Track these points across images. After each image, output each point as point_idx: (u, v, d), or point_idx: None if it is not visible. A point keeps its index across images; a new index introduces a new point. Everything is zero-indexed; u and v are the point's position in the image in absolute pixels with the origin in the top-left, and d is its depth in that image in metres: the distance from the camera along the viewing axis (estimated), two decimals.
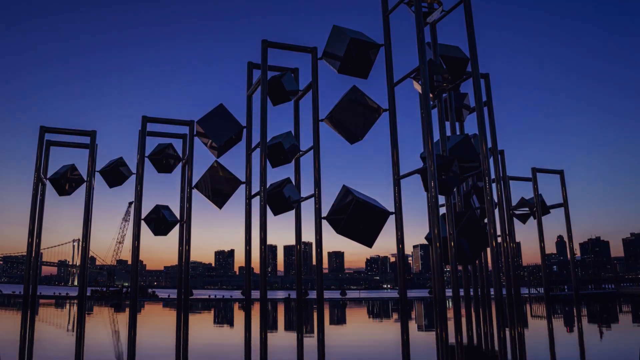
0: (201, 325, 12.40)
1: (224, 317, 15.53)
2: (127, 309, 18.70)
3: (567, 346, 7.68)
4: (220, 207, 19.23)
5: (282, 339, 8.93)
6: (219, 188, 19.14)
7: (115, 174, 22.34)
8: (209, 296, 53.26)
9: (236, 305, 23.93)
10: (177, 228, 21.87)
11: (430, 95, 16.22)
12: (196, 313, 17.01)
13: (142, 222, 20.63)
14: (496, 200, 18.74)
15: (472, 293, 21.81)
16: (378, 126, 16.17)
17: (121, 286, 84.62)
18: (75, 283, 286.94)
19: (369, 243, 14.65)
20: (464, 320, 12.62)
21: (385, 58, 16.08)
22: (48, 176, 22.08)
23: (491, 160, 18.64)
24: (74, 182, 22.21)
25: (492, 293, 21.15)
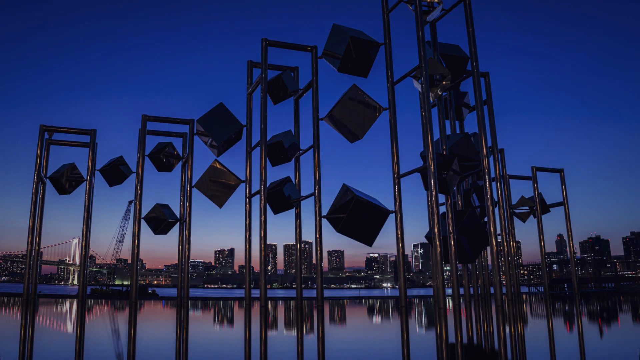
0: (201, 324, 12.40)
1: (223, 317, 15.53)
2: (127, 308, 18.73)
3: (567, 345, 7.68)
4: (220, 205, 19.22)
5: (281, 338, 8.93)
6: (219, 187, 19.14)
7: (115, 173, 22.33)
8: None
9: (236, 305, 23.95)
10: (177, 227, 21.88)
11: (431, 94, 16.22)
12: (196, 313, 17.01)
13: (142, 221, 20.63)
14: (496, 199, 18.75)
15: (472, 292, 21.85)
16: (378, 125, 16.18)
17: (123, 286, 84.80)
18: (75, 282, 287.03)
19: (369, 242, 14.66)
20: (464, 318, 12.62)
21: (385, 57, 16.07)
22: (48, 175, 22.07)
23: (491, 158, 18.65)
24: (74, 180, 22.20)
25: (492, 291, 21.20)
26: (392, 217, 14.75)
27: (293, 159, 18.47)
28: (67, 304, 22.91)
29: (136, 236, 19.97)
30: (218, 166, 19.18)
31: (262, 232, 16.05)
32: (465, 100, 19.66)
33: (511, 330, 9.20)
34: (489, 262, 20.52)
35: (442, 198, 16.45)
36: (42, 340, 8.07)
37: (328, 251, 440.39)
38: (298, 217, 17.91)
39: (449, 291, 21.90)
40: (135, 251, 19.92)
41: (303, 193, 17.95)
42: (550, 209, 27.50)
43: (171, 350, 6.95)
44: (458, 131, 19.07)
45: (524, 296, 36.62)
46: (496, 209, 17.74)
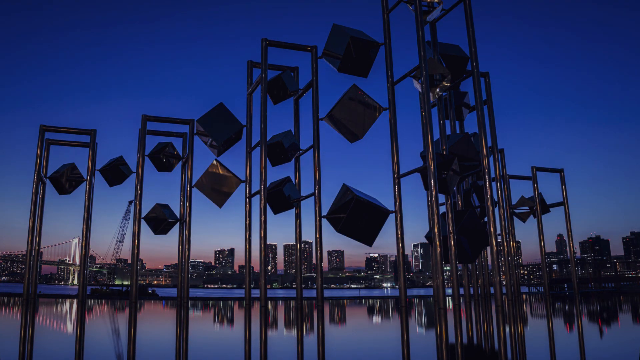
0: (201, 324, 12.39)
1: (223, 317, 15.52)
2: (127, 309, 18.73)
3: (567, 345, 7.68)
4: (220, 205, 19.22)
5: (281, 338, 8.93)
6: (219, 187, 19.14)
7: (115, 173, 22.33)
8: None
9: (236, 305, 23.93)
10: (177, 227, 21.88)
11: (431, 94, 16.21)
12: (196, 313, 17.00)
13: (142, 221, 20.63)
14: (496, 199, 18.75)
15: (472, 292, 21.85)
16: (378, 125, 16.18)
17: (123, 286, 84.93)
18: (75, 282, 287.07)
19: (369, 242, 14.66)
20: (464, 318, 12.62)
21: (385, 57, 16.07)
22: (48, 175, 22.07)
23: (491, 158, 18.65)
24: (74, 180, 22.20)
25: (492, 291, 21.19)
26: (392, 217, 14.75)
27: (293, 159, 18.47)
28: (67, 304, 22.90)
29: (136, 236, 19.97)
30: (218, 166, 19.18)
31: (262, 232, 16.05)
32: (465, 100, 19.66)
33: (511, 330, 9.20)
34: (489, 262, 20.51)
35: (442, 198, 16.45)
36: (42, 340, 8.07)
37: (328, 251, 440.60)
38: (298, 217, 17.90)
39: (449, 291, 21.90)
40: (135, 251, 19.92)
41: (303, 193, 17.95)
42: (550, 209, 27.49)
43: (171, 350, 6.95)
44: (458, 131, 19.07)
45: (524, 296, 36.61)
46: (496, 209, 17.75)
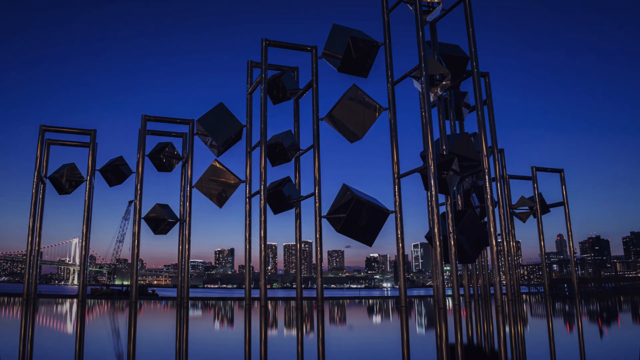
0: (201, 324, 12.40)
1: (223, 317, 15.52)
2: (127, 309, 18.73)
3: (567, 345, 7.68)
4: (220, 205, 19.22)
5: (281, 338, 8.93)
6: (218, 187, 19.15)
7: (115, 173, 22.34)
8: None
9: (236, 305, 23.93)
10: (177, 227, 21.88)
11: (431, 94, 16.21)
12: (196, 313, 17.00)
13: (142, 221, 20.63)
14: (496, 199, 18.75)
15: (472, 292, 21.84)
16: (378, 125, 16.19)
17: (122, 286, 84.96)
18: (75, 282, 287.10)
19: (369, 242, 14.66)
20: (464, 318, 12.63)
21: (385, 57, 16.07)
22: (48, 175, 22.08)
23: (491, 158, 18.65)
24: (74, 180, 22.21)
25: (492, 291, 21.20)
26: (392, 217, 14.75)
27: (293, 159, 18.47)
28: (67, 304, 22.90)
29: (136, 236, 19.97)
30: (218, 166, 19.18)
31: (262, 232, 16.05)
32: (465, 100, 19.66)
33: (511, 330, 9.20)
34: (489, 262, 20.52)
35: (442, 198, 16.45)
36: (42, 340, 8.07)
37: (328, 251, 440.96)
38: (298, 217, 17.91)
39: (449, 291, 21.90)
40: (135, 251, 19.92)
41: (303, 193, 17.95)
42: (550, 209, 27.48)
43: (171, 350, 6.95)
44: (458, 131, 19.07)
45: (524, 296, 36.63)
46: (496, 209, 17.75)
